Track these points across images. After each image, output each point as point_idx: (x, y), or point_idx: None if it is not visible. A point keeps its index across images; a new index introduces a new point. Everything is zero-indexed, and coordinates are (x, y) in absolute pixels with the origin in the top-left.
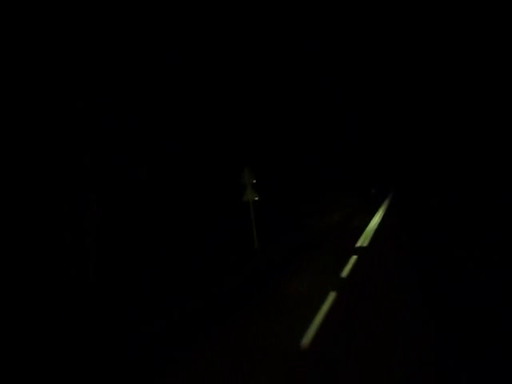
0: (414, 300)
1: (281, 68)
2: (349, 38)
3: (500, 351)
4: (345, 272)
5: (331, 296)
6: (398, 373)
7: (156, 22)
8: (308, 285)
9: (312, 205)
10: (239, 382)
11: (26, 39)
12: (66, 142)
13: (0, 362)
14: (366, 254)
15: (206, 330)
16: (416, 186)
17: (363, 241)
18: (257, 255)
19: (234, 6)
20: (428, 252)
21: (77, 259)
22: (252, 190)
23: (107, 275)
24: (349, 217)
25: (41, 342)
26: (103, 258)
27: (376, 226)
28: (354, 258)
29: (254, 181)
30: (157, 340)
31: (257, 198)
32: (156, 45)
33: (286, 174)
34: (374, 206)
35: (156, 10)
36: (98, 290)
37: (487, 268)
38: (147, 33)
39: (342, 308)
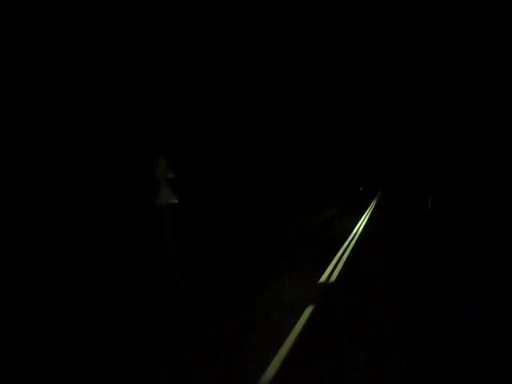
0: None
1: (269, 63)
2: (333, 39)
3: None
4: (282, 353)
5: None
6: None
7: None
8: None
9: (298, 205)
10: None
11: None
12: None
13: None
14: (329, 301)
15: None
16: (404, 185)
17: (333, 266)
18: (164, 304)
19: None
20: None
21: None
22: (168, 189)
23: None
24: (334, 218)
25: None
26: None
27: (358, 237)
28: (308, 312)
29: (171, 175)
30: None
31: (175, 201)
32: None
33: (275, 174)
34: (361, 205)
35: None
36: None
37: None
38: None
39: None
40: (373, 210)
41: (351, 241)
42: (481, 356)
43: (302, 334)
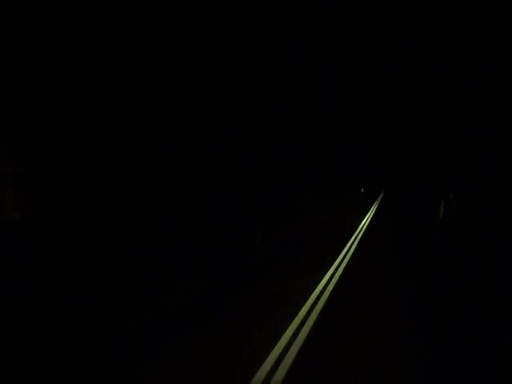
0: None
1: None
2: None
3: None
4: None
5: None
6: None
7: None
8: None
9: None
10: None
11: None
12: None
13: None
14: None
15: None
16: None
17: (298, 323)
18: None
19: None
20: None
21: None
22: (9, 193)
23: None
24: (328, 224)
25: None
26: None
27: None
28: None
29: (16, 169)
30: None
31: (16, 215)
32: None
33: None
34: (361, 206)
35: None
36: None
37: None
38: None
39: None
40: (372, 216)
41: (353, 243)
42: None
43: None
